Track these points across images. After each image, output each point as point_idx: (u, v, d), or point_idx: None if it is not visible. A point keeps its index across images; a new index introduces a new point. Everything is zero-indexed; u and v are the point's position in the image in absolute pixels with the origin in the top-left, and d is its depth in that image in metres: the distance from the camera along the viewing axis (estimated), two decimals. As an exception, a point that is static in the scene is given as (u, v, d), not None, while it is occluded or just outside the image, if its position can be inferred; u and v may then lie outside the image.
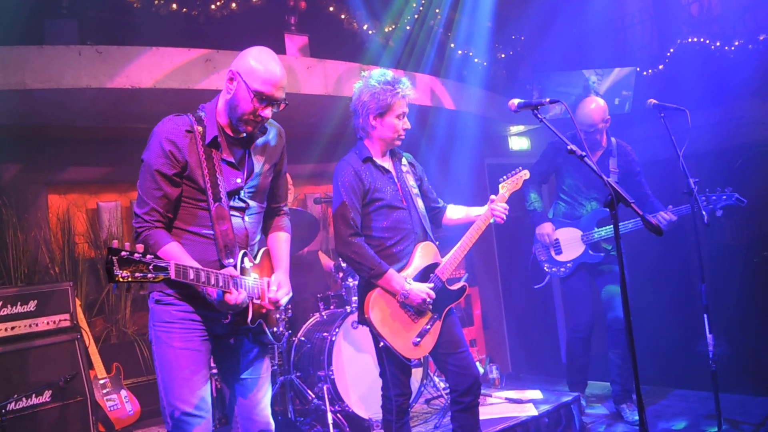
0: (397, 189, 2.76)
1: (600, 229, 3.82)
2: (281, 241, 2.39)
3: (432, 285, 2.69)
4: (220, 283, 1.99)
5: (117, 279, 1.71)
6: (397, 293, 2.61)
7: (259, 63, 2.10)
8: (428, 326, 2.68)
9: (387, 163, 2.80)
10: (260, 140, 2.26)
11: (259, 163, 2.24)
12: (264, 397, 2.28)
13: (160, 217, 2.07)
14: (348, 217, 2.63)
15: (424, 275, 2.72)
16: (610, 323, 3.88)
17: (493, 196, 2.86)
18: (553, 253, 3.96)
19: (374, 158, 2.75)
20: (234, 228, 2.12)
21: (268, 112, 2.12)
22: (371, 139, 2.76)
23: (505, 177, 2.95)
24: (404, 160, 2.90)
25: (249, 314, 2.11)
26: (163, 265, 1.80)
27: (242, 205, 2.20)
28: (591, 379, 4.59)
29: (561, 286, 4.12)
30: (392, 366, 2.67)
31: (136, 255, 1.74)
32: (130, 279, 1.72)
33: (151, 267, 1.77)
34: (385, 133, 2.71)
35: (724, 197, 3.48)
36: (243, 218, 2.20)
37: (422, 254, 2.73)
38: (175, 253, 2.01)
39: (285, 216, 2.47)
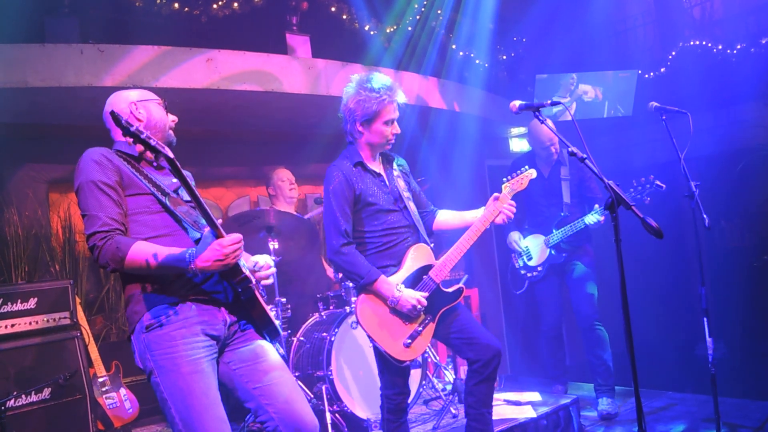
0: (390, 192, 2.75)
1: (557, 231, 4.06)
2: None
3: (426, 293, 2.65)
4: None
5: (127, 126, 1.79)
6: (387, 299, 2.61)
7: (137, 90, 2.31)
8: (420, 328, 2.66)
9: (378, 167, 2.80)
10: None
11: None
12: (291, 393, 2.11)
13: (118, 225, 1.97)
14: (339, 225, 2.61)
15: (417, 277, 2.69)
16: (578, 323, 4.15)
17: (497, 194, 2.79)
18: (525, 259, 4.25)
19: (365, 162, 2.73)
20: (191, 208, 2.14)
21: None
22: (360, 144, 2.75)
23: (509, 177, 2.85)
24: (395, 164, 2.89)
25: (241, 271, 2.01)
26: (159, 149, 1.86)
27: (186, 197, 2.18)
28: (586, 382, 4.59)
29: (533, 289, 4.30)
30: (387, 367, 2.69)
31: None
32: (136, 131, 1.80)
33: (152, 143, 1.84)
34: (373, 138, 2.70)
35: (648, 186, 3.65)
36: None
37: (415, 256, 2.72)
38: (146, 248, 1.93)
39: None
